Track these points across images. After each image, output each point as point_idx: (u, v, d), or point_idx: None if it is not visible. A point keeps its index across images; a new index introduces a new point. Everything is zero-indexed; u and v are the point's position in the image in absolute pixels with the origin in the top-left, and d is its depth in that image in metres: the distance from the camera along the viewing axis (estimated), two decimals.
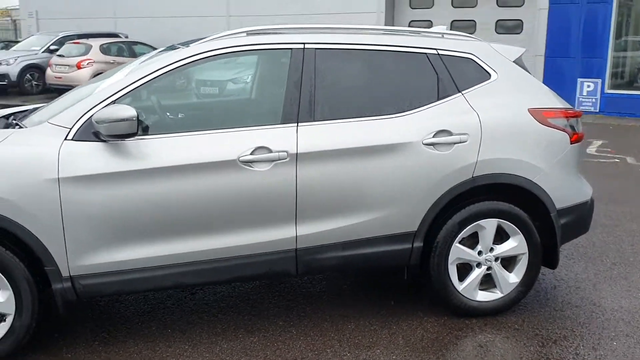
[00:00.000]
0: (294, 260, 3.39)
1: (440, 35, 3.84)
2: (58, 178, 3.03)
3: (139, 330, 3.57)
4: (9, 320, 3.13)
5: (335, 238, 3.42)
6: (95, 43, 16.45)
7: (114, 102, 3.15)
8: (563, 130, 3.70)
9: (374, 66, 3.60)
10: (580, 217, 3.85)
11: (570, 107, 3.86)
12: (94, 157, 3.09)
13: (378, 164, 3.40)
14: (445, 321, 3.69)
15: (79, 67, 15.63)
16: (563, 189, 3.73)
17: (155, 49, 16.64)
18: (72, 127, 3.12)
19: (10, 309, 3.11)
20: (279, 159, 3.26)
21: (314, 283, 4.23)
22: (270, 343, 3.42)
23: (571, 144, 3.74)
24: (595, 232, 5.21)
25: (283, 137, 3.30)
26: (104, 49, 16.52)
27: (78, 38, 17.97)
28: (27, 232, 3.03)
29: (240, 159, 3.21)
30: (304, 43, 3.45)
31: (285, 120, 3.34)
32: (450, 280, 3.64)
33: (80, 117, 3.13)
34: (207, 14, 20.63)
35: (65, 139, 3.09)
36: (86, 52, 15.98)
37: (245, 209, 3.27)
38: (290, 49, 3.44)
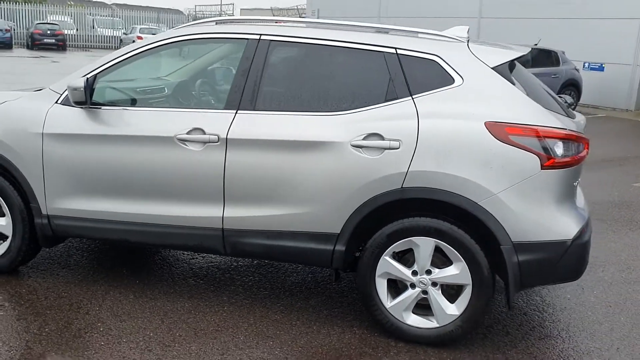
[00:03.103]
0: (221, 240, 3.57)
1: (415, 35, 3.55)
2: (42, 133, 3.72)
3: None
4: (8, 241, 3.96)
5: (259, 225, 3.49)
6: None
7: (94, 76, 3.72)
8: (530, 150, 3.13)
9: (325, 62, 3.53)
10: (552, 259, 3.20)
11: (563, 127, 3.21)
12: (69, 120, 3.71)
13: (304, 160, 3.36)
14: (365, 336, 3.47)
15: None
16: (525, 221, 3.16)
17: None
18: (62, 93, 3.78)
19: (9, 232, 3.94)
20: (210, 141, 3.47)
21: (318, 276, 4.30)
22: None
23: (544, 168, 3.15)
24: None
25: (219, 122, 3.48)
26: None
27: None
28: (19, 173, 3.80)
29: (177, 136, 3.51)
30: (260, 34, 3.57)
31: (227, 107, 3.52)
32: (377, 294, 3.41)
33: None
34: (458, 15, 20.44)
35: (56, 102, 3.77)
36: None
37: (179, 183, 3.56)
38: (247, 39, 3.58)
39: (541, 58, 14.83)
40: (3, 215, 3.94)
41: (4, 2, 40.16)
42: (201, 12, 46.75)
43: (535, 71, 14.19)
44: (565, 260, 3.22)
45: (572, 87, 14.94)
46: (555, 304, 4.03)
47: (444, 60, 3.33)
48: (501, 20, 19.21)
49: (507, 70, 3.34)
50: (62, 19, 37.98)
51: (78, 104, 3.62)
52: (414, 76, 3.34)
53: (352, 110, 3.35)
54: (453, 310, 3.32)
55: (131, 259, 4.45)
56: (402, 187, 3.23)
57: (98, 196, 3.72)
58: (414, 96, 3.30)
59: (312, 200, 3.38)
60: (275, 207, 3.45)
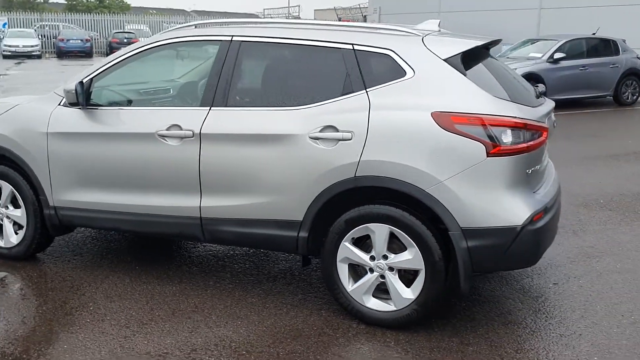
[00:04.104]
0: (200, 228, 3.85)
1: (374, 30, 3.69)
2: (47, 132, 4.14)
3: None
4: (23, 230, 4.42)
5: (231, 214, 3.75)
6: None
7: (90, 79, 4.09)
8: (475, 138, 3.22)
9: (289, 60, 3.74)
10: (502, 244, 3.26)
11: (512, 115, 3.27)
12: (69, 120, 4.10)
13: (268, 152, 3.59)
14: (330, 318, 3.65)
15: None
16: (473, 207, 3.25)
17: None
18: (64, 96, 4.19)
19: (24, 222, 4.40)
20: (185, 137, 3.76)
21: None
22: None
23: (490, 156, 3.22)
24: None
25: (194, 118, 3.77)
26: None
27: None
28: (30, 169, 4.24)
29: (158, 132, 3.82)
30: (232, 36, 3.82)
31: (202, 104, 3.80)
32: (339, 278, 3.58)
33: None
34: (517, 7, 19.97)
35: (58, 104, 4.18)
36: None
37: (161, 175, 3.87)
38: (220, 41, 3.85)
39: (599, 47, 14.32)
40: (19, 207, 4.40)
41: (88, 14, 42.62)
42: (269, 15, 47.76)
43: (593, 61, 13.76)
44: (517, 247, 3.27)
45: (633, 76, 14.32)
46: (533, 292, 4.06)
47: (397, 54, 3.46)
48: (561, 11, 18.63)
49: (458, 61, 3.42)
50: (140, 28, 39.88)
51: (72, 104, 4.01)
52: (369, 70, 3.49)
53: (311, 104, 3.55)
54: (409, 294, 3.45)
55: (138, 248, 4.82)
56: (355, 176, 3.40)
57: (94, 189, 4.09)
58: (368, 89, 3.46)
59: (277, 189, 3.60)
60: (244, 197, 3.70)
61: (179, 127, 3.78)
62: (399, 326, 3.50)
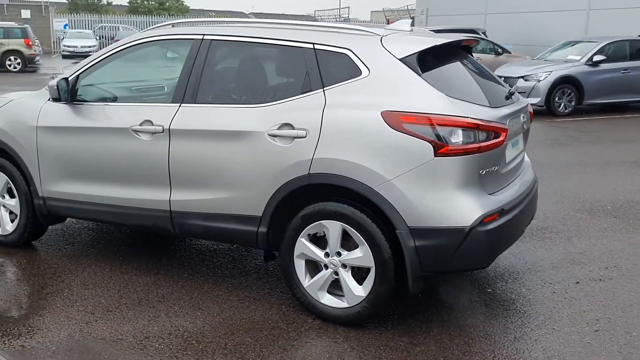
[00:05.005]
0: (170, 221, 3.98)
1: (336, 30, 3.72)
2: (36, 126, 4.36)
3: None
4: (17, 219, 4.66)
5: (198, 208, 3.85)
6: None
7: (76, 77, 4.28)
8: (422, 138, 3.21)
9: (254, 58, 3.83)
10: (450, 245, 3.24)
11: (463, 116, 3.24)
12: (56, 114, 4.31)
13: (230, 148, 3.68)
14: (288, 313, 3.70)
15: None
16: (420, 206, 3.24)
17: (497, 45, 16.81)
18: None
19: (17, 211, 4.64)
20: (156, 132, 3.89)
21: None
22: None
23: (438, 155, 3.21)
24: None
25: (164, 114, 3.90)
26: None
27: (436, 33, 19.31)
28: (22, 161, 4.47)
29: (132, 128, 3.97)
30: (203, 35, 3.93)
31: (173, 101, 3.93)
32: (296, 273, 3.64)
33: None
34: (565, 8, 19.42)
35: (48, 100, 4.39)
36: None
37: (135, 169, 4.02)
38: (192, 39, 3.97)
39: None
40: (14, 197, 4.64)
41: (147, 15, 43.88)
42: (319, 17, 48.03)
43: (636, 64, 13.26)
44: (466, 248, 3.24)
45: None
46: (502, 296, 4.00)
47: (354, 54, 3.49)
48: (611, 12, 17.98)
49: (414, 60, 3.42)
50: None
51: (55, 100, 4.21)
52: (328, 69, 3.53)
53: (272, 102, 3.62)
54: (360, 291, 3.47)
55: (129, 240, 5.00)
56: (309, 173, 3.44)
57: (77, 181, 4.28)
58: (325, 88, 3.50)
59: (238, 185, 3.69)
60: (209, 192, 3.80)
61: (150, 122, 3.92)
62: (350, 323, 3.53)
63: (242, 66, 3.93)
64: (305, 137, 3.44)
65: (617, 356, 3.27)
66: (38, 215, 4.55)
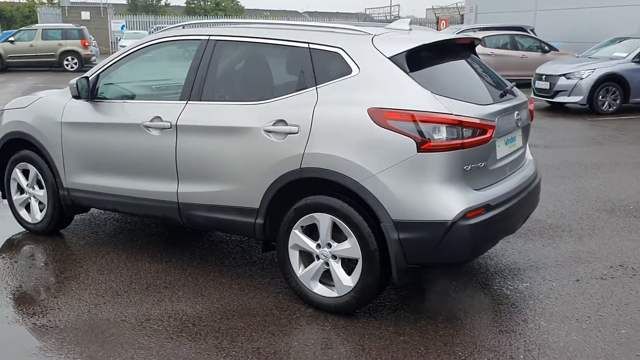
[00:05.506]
0: (177, 212, 4.21)
1: (331, 30, 3.85)
2: (61, 122, 4.68)
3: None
4: (45, 209, 5.00)
5: (202, 200, 4.07)
6: (479, 35, 17.32)
7: (97, 75, 4.58)
8: (406, 134, 3.31)
9: (255, 57, 4.00)
10: (433, 238, 3.33)
11: (446, 112, 3.32)
12: (78, 111, 4.61)
13: (230, 143, 3.87)
14: (283, 301, 3.87)
15: None
16: (404, 200, 3.35)
17: (539, 40, 16.53)
18: None
19: (45, 201, 4.98)
20: (164, 127, 4.13)
21: None
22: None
23: (421, 151, 3.30)
24: None
25: (173, 111, 4.13)
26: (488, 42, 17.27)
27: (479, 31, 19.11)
28: (48, 154, 4.80)
29: (144, 124, 4.23)
30: (209, 35, 4.14)
31: (182, 98, 4.15)
32: (290, 263, 3.80)
33: None
34: (619, 4, 18.83)
35: (72, 97, 4.70)
36: None
37: (146, 163, 4.27)
38: (199, 40, 4.18)
39: None
40: (43, 188, 4.98)
41: (204, 16, 44.84)
42: (370, 14, 48.01)
43: None
44: (448, 242, 3.33)
45: None
46: (498, 290, 4.04)
47: (345, 52, 3.62)
48: None
49: (403, 59, 3.52)
50: None
51: (75, 97, 4.52)
52: (321, 68, 3.68)
53: (270, 99, 3.79)
54: (349, 282, 3.60)
55: (149, 230, 5.28)
56: (300, 168, 3.60)
57: (96, 173, 4.57)
58: (318, 86, 3.65)
59: (237, 178, 3.88)
60: (211, 184, 4.01)
61: (160, 118, 4.16)
62: (339, 311, 3.66)
63: (244, 65, 4.13)
64: (297, 133, 3.60)
65: (600, 352, 3.29)
66: (63, 206, 4.88)
